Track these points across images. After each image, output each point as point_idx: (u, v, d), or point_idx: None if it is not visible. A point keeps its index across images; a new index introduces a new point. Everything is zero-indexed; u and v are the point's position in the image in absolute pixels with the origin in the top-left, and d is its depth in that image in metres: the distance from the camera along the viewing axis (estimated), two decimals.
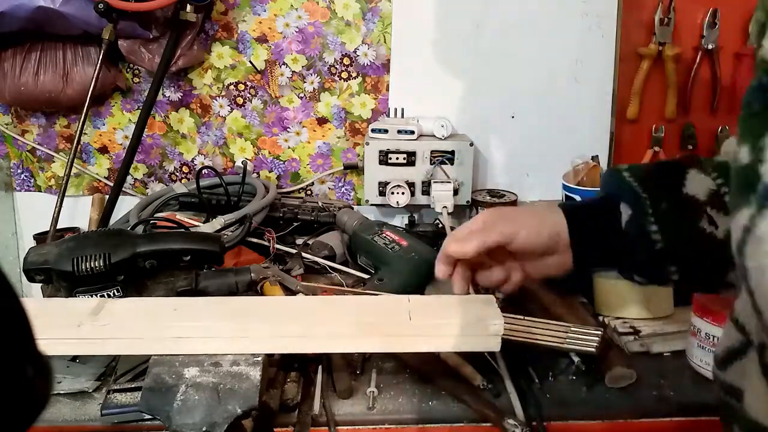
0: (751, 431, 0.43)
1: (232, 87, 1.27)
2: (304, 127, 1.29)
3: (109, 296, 0.80)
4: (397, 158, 1.21)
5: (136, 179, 1.32)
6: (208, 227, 1.04)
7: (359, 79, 1.26)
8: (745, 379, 0.44)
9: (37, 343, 0.32)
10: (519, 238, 0.67)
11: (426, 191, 1.22)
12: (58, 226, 1.16)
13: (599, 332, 0.78)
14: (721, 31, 1.22)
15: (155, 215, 1.12)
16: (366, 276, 1.04)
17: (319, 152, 1.30)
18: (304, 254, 1.09)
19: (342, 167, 1.30)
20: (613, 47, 1.24)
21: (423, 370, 0.78)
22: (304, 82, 1.26)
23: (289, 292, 0.94)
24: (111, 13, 1.08)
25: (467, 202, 1.24)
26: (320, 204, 1.25)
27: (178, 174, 1.32)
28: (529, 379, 0.78)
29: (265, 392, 0.69)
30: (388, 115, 1.26)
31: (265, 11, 1.22)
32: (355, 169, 1.30)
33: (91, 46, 1.18)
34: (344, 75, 1.25)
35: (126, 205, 1.25)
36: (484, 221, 0.70)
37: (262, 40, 1.24)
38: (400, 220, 1.30)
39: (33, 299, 1.00)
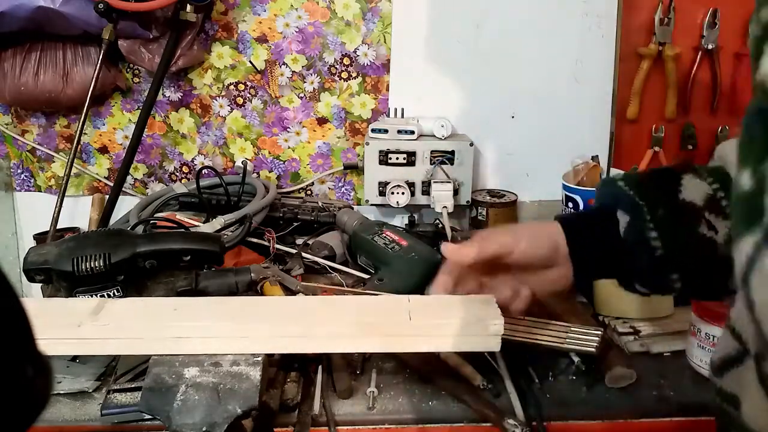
0: None
1: (232, 87, 1.27)
2: (304, 127, 1.29)
3: (109, 296, 0.80)
4: (397, 158, 1.21)
5: (136, 179, 1.32)
6: (208, 227, 1.04)
7: (359, 79, 1.26)
8: (743, 387, 0.44)
9: (37, 343, 0.32)
10: (519, 249, 0.66)
11: (426, 191, 1.22)
12: (58, 226, 1.16)
13: (599, 332, 0.78)
14: (721, 31, 1.22)
15: (155, 215, 1.12)
16: (366, 276, 1.04)
17: (319, 152, 1.30)
18: (304, 254, 1.09)
19: (342, 167, 1.30)
20: (613, 47, 1.24)
21: (423, 370, 0.78)
22: (304, 82, 1.26)
23: (289, 292, 0.94)
24: (111, 13, 1.08)
25: (467, 202, 1.24)
26: (320, 204, 1.25)
27: (178, 174, 1.32)
28: (529, 379, 0.78)
29: (265, 392, 0.69)
30: (388, 115, 1.26)
31: (265, 11, 1.22)
32: (355, 169, 1.30)
33: (91, 46, 1.18)
34: (344, 75, 1.25)
35: (126, 205, 1.25)
36: (481, 235, 0.70)
37: (262, 40, 1.24)
38: (400, 220, 1.30)
39: (33, 299, 1.00)
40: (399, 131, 1.20)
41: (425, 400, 0.75)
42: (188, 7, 1.13)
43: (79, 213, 1.30)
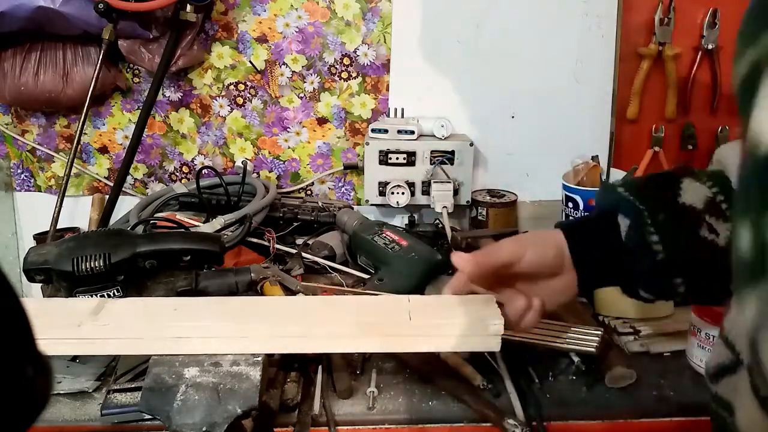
0: None
1: (232, 87, 1.27)
2: (304, 127, 1.29)
3: (109, 296, 0.80)
4: (397, 158, 1.21)
5: (136, 179, 1.32)
6: (208, 227, 1.04)
7: (359, 79, 1.26)
8: (737, 395, 0.44)
9: (37, 343, 0.32)
10: (527, 257, 0.66)
11: (426, 191, 1.22)
12: (58, 226, 1.16)
13: (599, 332, 0.78)
14: (721, 31, 1.22)
15: (155, 215, 1.12)
16: (366, 276, 1.04)
17: (319, 152, 1.30)
18: (304, 254, 1.09)
19: (342, 167, 1.30)
20: (613, 47, 1.24)
21: (423, 370, 0.78)
22: (304, 82, 1.26)
23: (289, 292, 0.94)
24: (111, 13, 1.08)
25: (467, 202, 1.24)
26: (320, 204, 1.25)
27: (178, 174, 1.32)
28: (529, 379, 0.78)
29: (265, 392, 0.69)
30: (388, 115, 1.26)
31: (265, 11, 1.22)
32: (355, 169, 1.30)
33: (91, 46, 1.18)
34: (344, 75, 1.25)
35: (126, 205, 1.25)
36: (488, 245, 0.70)
37: (262, 40, 1.24)
38: (400, 220, 1.30)
39: (33, 299, 1.00)
40: (399, 131, 1.20)
41: (425, 400, 0.75)
42: (188, 7, 1.13)
43: (79, 213, 1.30)
